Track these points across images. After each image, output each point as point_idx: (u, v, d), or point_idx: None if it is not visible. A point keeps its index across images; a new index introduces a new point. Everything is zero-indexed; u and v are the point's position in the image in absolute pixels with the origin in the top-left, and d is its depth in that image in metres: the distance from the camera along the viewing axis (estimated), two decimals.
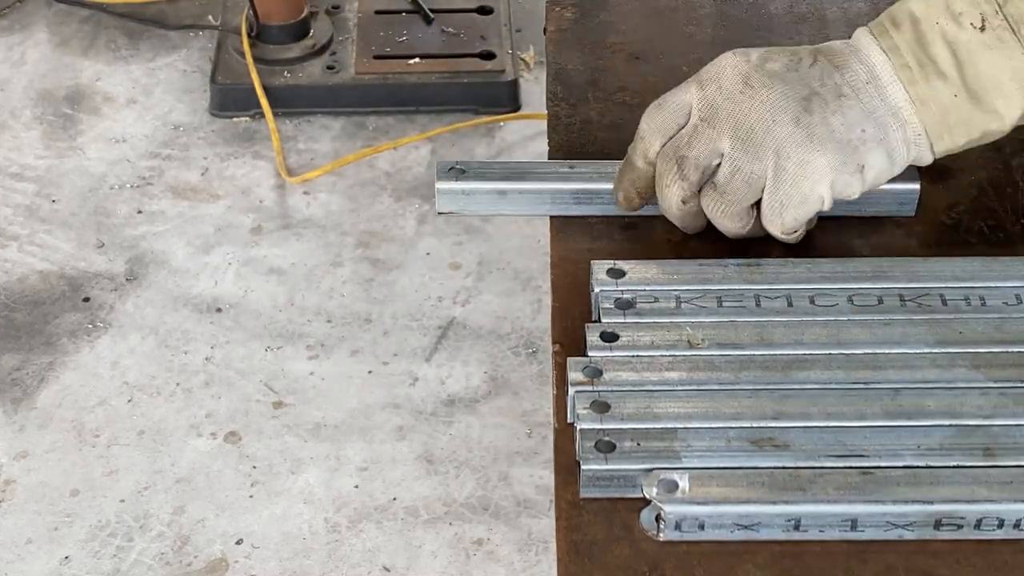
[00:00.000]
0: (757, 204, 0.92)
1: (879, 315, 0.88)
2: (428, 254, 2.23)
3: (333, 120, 2.51)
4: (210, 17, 2.73)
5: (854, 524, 0.77)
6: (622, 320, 0.88)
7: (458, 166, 1.00)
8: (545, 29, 1.18)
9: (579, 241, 0.97)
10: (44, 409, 1.99)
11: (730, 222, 0.92)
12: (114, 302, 2.15)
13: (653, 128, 0.93)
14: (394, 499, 1.86)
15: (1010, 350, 0.85)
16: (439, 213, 1.01)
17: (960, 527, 0.77)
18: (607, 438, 0.80)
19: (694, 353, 0.85)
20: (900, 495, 0.77)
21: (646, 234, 0.97)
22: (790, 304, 0.89)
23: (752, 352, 0.85)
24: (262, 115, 2.46)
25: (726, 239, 0.94)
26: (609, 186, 0.97)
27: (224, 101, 2.51)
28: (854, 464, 0.79)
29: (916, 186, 0.97)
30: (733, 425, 0.81)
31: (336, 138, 2.46)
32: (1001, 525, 0.77)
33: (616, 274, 0.91)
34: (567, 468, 0.81)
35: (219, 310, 2.14)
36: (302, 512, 1.85)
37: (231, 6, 2.65)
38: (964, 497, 0.77)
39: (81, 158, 2.42)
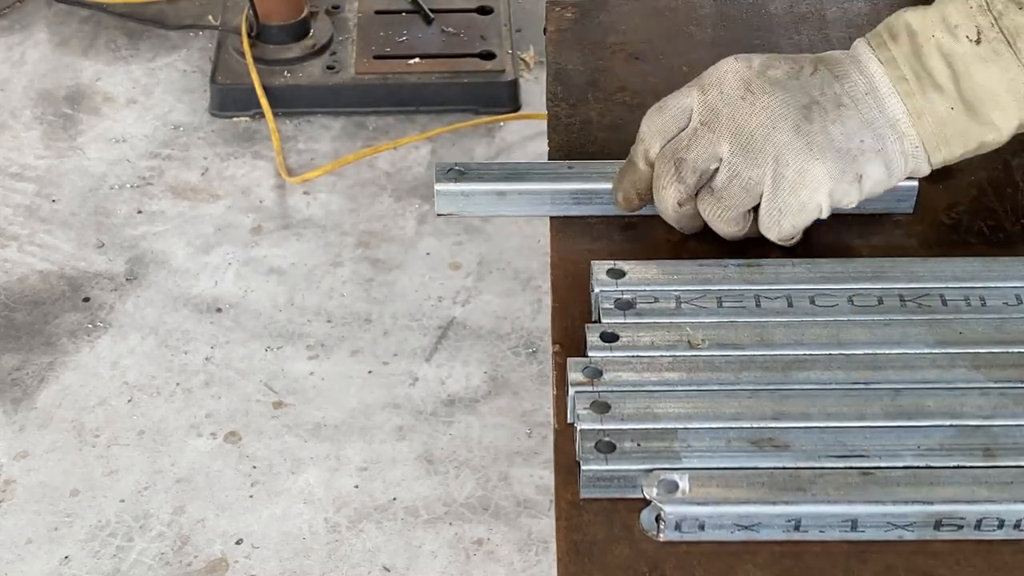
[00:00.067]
0: (753, 209, 0.92)
1: (879, 315, 0.88)
2: (428, 254, 2.23)
3: (333, 120, 2.51)
4: (210, 17, 2.73)
5: (854, 524, 0.77)
6: (622, 320, 0.88)
7: (457, 167, 1.00)
8: (545, 29, 1.18)
9: (579, 241, 0.97)
10: (44, 409, 1.99)
11: (726, 226, 0.92)
12: (114, 302, 2.15)
13: (653, 130, 0.93)
14: (394, 499, 1.86)
15: (1010, 350, 0.85)
16: (439, 215, 1.00)
17: (960, 527, 0.77)
18: (607, 438, 0.80)
19: (694, 353, 0.85)
20: (900, 495, 0.77)
21: (646, 234, 0.97)
22: (790, 304, 0.89)
23: (752, 352, 0.85)
24: (262, 115, 2.46)
25: (726, 240, 0.94)
26: (609, 186, 0.97)
27: (224, 101, 2.51)
28: (854, 464, 0.79)
29: (914, 183, 0.97)
30: (733, 425, 0.81)
31: (336, 138, 2.46)
32: (1001, 525, 0.77)
33: (616, 274, 0.91)
34: (567, 468, 0.81)
35: (219, 310, 2.14)
36: (302, 512, 1.85)
37: (231, 6, 2.65)
38: (964, 497, 0.77)
39: (81, 158, 2.42)
